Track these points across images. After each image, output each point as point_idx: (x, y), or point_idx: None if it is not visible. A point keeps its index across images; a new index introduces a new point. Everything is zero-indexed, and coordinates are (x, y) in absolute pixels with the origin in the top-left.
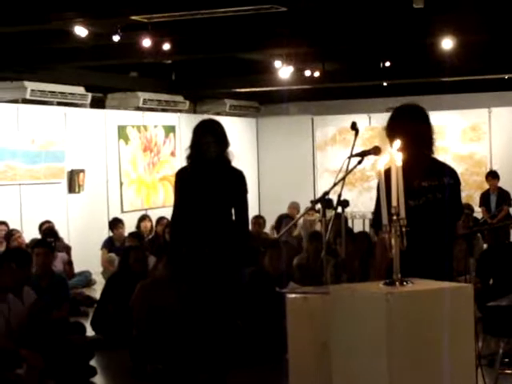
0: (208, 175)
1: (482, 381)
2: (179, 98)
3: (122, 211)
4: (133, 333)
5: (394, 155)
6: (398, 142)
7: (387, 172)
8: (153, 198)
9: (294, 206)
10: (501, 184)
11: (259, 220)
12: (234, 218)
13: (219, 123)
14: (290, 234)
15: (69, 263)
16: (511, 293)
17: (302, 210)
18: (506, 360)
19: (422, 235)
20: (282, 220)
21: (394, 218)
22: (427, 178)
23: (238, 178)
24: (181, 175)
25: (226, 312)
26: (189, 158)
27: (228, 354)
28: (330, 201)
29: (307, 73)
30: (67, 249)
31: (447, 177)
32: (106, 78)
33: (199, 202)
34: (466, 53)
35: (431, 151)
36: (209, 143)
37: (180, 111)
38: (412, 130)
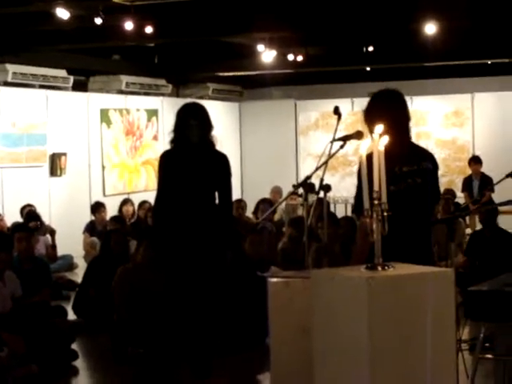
0: (192, 159)
1: (462, 365)
2: (162, 82)
3: (104, 195)
4: (114, 317)
5: (376, 140)
6: (380, 127)
7: (369, 157)
8: (135, 181)
9: (277, 191)
10: (483, 169)
11: (240, 203)
12: (217, 201)
13: (203, 107)
14: (270, 218)
15: (52, 247)
16: (494, 277)
17: (284, 195)
18: (487, 345)
19: (403, 220)
20: (259, 205)
21: (376, 202)
22: (407, 163)
23: (222, 161)
24: (164, 159)
25: (209, 295)
26: (172, 141)
27: (212, 339)
28: (312, 185)
29: (290, 57)
30: (51, 232)
31: (426, 161)
32: (89, 61)
33: (183, 185)
34: (449, 38)
35: (409, 136)
36: (192, 127)
37: (163, 95)
38: (390, 115)
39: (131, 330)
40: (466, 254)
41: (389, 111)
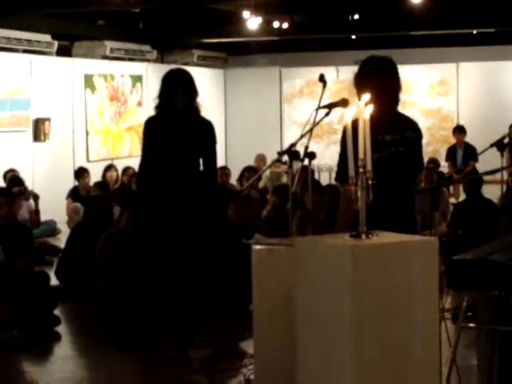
0: (177, 125)
1: (445, 334)
2: (147, 48)
3: (88, 161)
4: (97, 283)
5: (362, 108)
6: (366, 95)
7: (353, 124)
8: (119, 147)
9: (261, 158)
10: (467, 139)
11: (225, 171)
12: (202, 167)
13: (188, 73)
14: (255, 186)
15: (35, 212)
16: (478, 246)
17: (269, 162)
18: (470, 314)
19: (386, 188)
20: (243, 173)
21: (361, 170)
22: (390, 131)
23: (207, 128)
24: (149, 125)
25: (193, 261)
26: (157, 107)
27: (196, 305)
28: (297, 153)
29: (275, 24)
30: (35, 197)
31: (410, 130)
32: (73, 25)
33: (167, 151)
34: (435, 7)
35: (396, 104)
36: (177, 92)
37: (147, 61)
38: (380, 82)
39: (114, 296)
40: (449, 226)
41: (379, 78)
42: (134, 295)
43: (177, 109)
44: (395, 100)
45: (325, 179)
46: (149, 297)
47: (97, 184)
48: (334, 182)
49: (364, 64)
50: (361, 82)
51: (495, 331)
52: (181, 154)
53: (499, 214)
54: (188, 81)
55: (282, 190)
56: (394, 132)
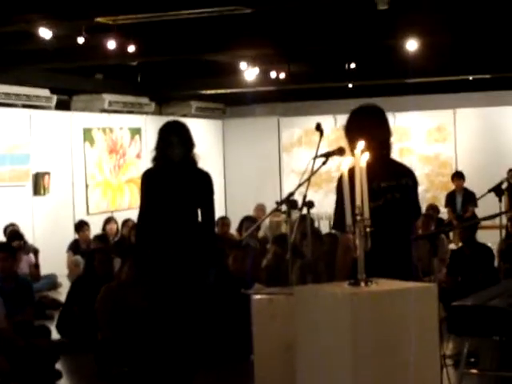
0: (174, 177)
1: (447, 381)
2: (145, 100)
3: (88, 213)
4: (98, 336)
5: (357, 156)
6: (362, 143)
7: (349, 173)
8: (119, 200)
9: (260, 208)
10: (466, 185)
11: (225, 221)
12: (200, 219)
13: (184, 124)
14: (255, 235)
15: (35, 266)
16: (477, 291)
17: (268, 212)
18: (472, 360)
19: (383, 236)
20: (243, 223)
21: (358, 218)
22: (386, 178)
23: (204, 179)
24: (147, 177)
25: (193, 313)
26: (154, 159)
27: (196, 356)
28: (295, 202)
29: (273, 74)
30: (35, 251)
31: (405, 177)
32: (72, 80)
33: (165, 203)
34: (431, 54)
35: (389, 152)
36: (174, 145)
37: (146, 113)
38: (370, 130)
39: (115, 349)
40: (448, 273)
41: (368, 127)
42: (135, 348)
43: (174, 161)
44: (387, 147)
45: (325, 227)
46: (150, 349)
47: (97, 237)
48: (333, 231)
49: (353, 114)
50: (351, 132)
51: (498, 377)
52: (178, 206)
53: (494, 258)
54: (184, 132)
55: (281, 239)
56: (389, 179)
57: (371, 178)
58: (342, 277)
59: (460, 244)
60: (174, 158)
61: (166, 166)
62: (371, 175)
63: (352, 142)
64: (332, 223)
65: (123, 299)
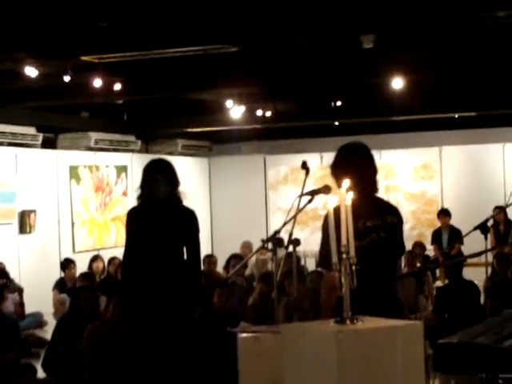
0: (158, 215)
1: None
2: (131, 138)
3: (74, 251)
4: (84, 375)
5: (343, 194)
6: (347, 181)
7: (335, 211)
8: (105, 238)
9: (247, 246)
10: (452, 222)
11: (211, 259)
12: (185, 257)
13: (169, 162)
14: (241, 273)
15: (20, 304)
16: (464, 328)
17: (254, 249)
18: None
19: (368, 274)
20: (229, 260)
21: (344, 256)
22: (371, 217)
23: (189, 217)
24: (132, 215)
25: (178, 351)
26: (139, 197)
27: None
28: (281, 240)
29: (259, 112)
30: (19, 290)
31: (390, 215)
32: (58, 118)
33: (150, 241)
34: (416, 92)
35: (374, 190)
36: (159, 183)
37: (132, 151)
38: (355, 168)
39: None
40: (434, 310)
41: (354, 164)
42: None
43: (159, 199)
44: (373, 185)
45: (310, 265)
46: None
47: (82, 275)
48: (319, 269)
49: (339, 152)
50: (337, 170)
51: None
52: (163, 244)
53: (480, 295)
54: (169, 170)
55: (267, 277)
56: (375, 218)
57: (357, 216)
58: (327, 315)
59: (446, 281)
60: (158, 196)
61: (150, 205)
62: (357, 214)
63: (338, 180)
64: (318, 261)
65: (108, 338)
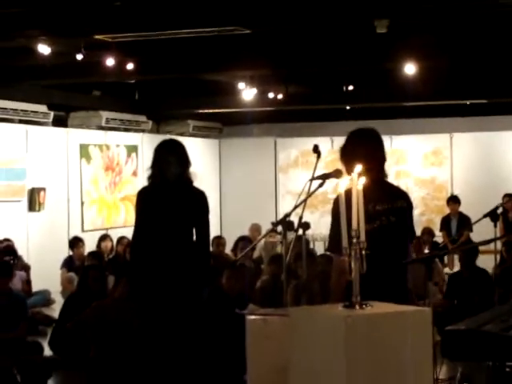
0: (169, 195)
1: None
2: (142, 118)
3: (83, 230)
4: (90, 353)
5: (355, 178)
6: (359, 166)
7: (346, 195)
8: (114, 217)
9: (256, 228)
10: (461, 209)
11: (220, 240)
12: (194, 238)
13: (180, 143)
14: (249, 256)
15: (27, 282)
16: (473, 316)
17: (263, 232)
18: None
19: (378, 259)
20: (238, 243)
21: (354, 240)
22: (381, 201)
23: (200, 198)
24: (142, 195)
25: (186, 332)
26: (150, 178)
27: (190, 376)
28: (291, 223)
29: (270, 95)
30: (26, 268)
31: (400, 200)
32: (69, 96)
33: (160, 222)
34: (428, 78)
35: (384, 174)
36: (170, 163)
37: (143, 131)
38: (365, 153)
39: (107, 367)
40: (445, 297)
41: (363, 150)
42: (127, 366)
43: (169, 180)
44: (382, 170)
45: (319, 249)
46: (142, 368)
47: (91, 254)
48: (328, 252)
49: (350, 137)
50: (347, 155)
51: None
52: (173, 225)
53: (493, 284)
54: (181, 151)
55: (278, 259)
56: (385, 202)
57: (366, 200)
58: (336, 299)
59: (455, 268)
60: (169, 176)
61: (161, 185)
62: (367, 198)
63: (348, 165)
64: (327, 245)
65: (116, 316)
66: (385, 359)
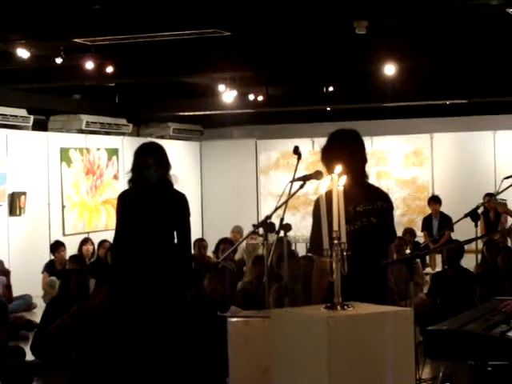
0: (149, 198)
1: None
2: (122, 121)
3: (64, 234)
4: (72, 358)
5: (335, 179)
6: (339, 166)
7: (327, 195)
8: (95, 221)
9: (237, 230)
10: (442, 209)
11: (202, 243)
12: (176, 241)
13: (160, 146)
14: (231, 258)
15: (7, 287)
16: (455, 315)
17: (245, 234)
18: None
19: (359, 260)
20: (219, 245)
21: (335, 241)
22: (362, 202)
23: (180, 200)
24: (122, 199)
25: (168, 335)
26: (130, 181)
27: (172, 379)
28: (272, 225)
29: (251, 97)
30: (6, 273)
31: (381, 201)
32: (49, 100)
33: (141, 225)
34: (408, 78)
35: (365, 175)
36: (150, 166)
37: (123, 134)
38: (346, 154)
39: (90, 371)
40: (428, 295)
41: (344, 151)
42: (110, 370)
43: (150, 182)
44: (363, 171)
45: (301, 250)
46: (124, 372)
47: (72, 257)
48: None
49: (330, 138)
50: (328, 156)
51: None
52: (154, 228)
53: (475, 283)
54: (160, 154)
55: (259, 261)
56: (365, 203)
57: (347, 201)
58: (318, 300)
59: (437, 268)
60: (149, 179)
61: (141, 188)
62: (347, 199)
63: (328, 165)
64: (308, 246)
65: (98, 320)
66: (367, 360)
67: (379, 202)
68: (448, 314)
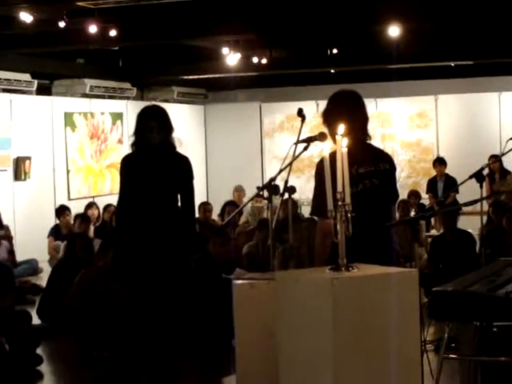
0: (152, 162)
1: (427, 366)
2: (127, 85)
3: (69, 199)
4: (79, 321)
5: (339, 140)
6: (342, 127)
7: (330, 157)
8: (100, 185)
9: (239, 189)
10: (447, 170)
11: (207, 206)
12: (180, 204)
13: (162, 108)
14: (236, 221)
15: (10, 252)
16: (459, 277)
17: (246, 194)
18: (453, 345)
19: (362, 221)
20: (225, 207)
21: (340, 203)
22: (364, 164)
23: (183, 163)
24: (125, 162)
25: (174, 298)
26: (133, 144)
27: (178, 341)
28: (277, 187)
29: (255, 60)
30: (9, 238)
31: (383, 162)
32: (53, 64)
33: (144, 188)
34: (413, 40)
35: (367, 137)
36: (152, 129)
37: (127, 98)
38: (346, 116)
39: (96, 334)
40: (429, 260)
41: (345, 112)
42: (115, 333)
43: (152, 146)
44: (365, 131)
45: (306, 213)
46: (130, 334)
47: (79, 216)
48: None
49: (330, 99)
50: (329, 118)
51: (477, 362)
52: (157, 191)
53: (475, 244)
54: (163, 117)
55: (264, 224)
56: (367, 165)
57: (350, 163)
58: (321, 262)
59: (441, 230)
60: (152, 142)
61: (144, 151)
62: (350, 161)
63: (330, 128)
64: (311, 209)
65: (104, 284)
66: (372, 321)
67: (381, 163)
68: (452, 275)
